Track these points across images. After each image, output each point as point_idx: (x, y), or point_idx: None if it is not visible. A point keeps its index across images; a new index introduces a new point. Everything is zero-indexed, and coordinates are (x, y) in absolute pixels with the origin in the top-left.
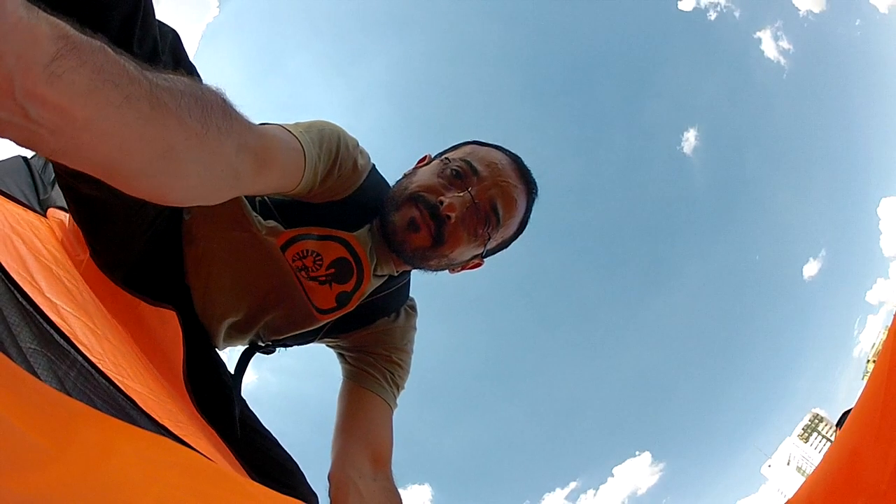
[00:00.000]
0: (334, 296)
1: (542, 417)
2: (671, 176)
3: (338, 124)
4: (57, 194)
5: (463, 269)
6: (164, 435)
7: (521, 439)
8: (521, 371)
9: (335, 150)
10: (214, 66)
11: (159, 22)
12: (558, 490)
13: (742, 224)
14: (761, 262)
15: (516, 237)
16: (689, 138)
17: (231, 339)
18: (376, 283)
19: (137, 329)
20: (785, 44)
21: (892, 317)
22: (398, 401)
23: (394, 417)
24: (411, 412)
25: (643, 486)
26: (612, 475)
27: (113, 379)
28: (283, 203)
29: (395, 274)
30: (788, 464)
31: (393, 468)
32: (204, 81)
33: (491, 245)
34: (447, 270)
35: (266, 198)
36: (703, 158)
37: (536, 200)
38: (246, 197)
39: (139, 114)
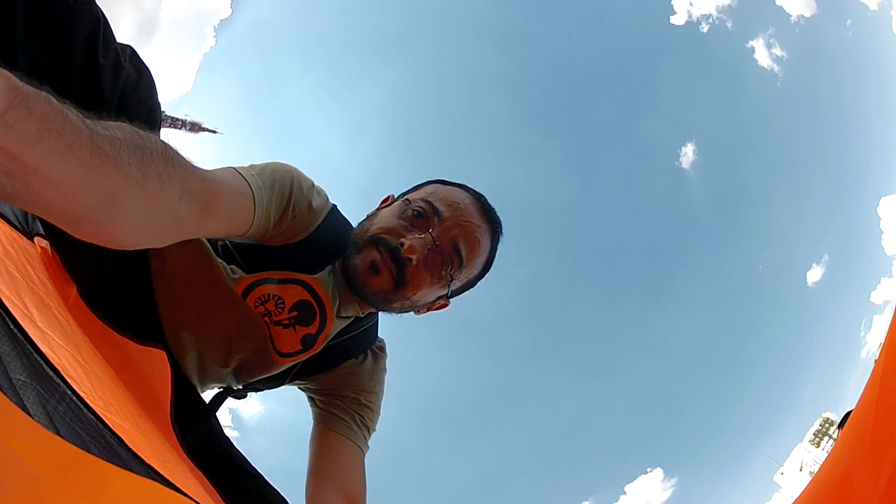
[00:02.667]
0: (299, 339)
1: (552, 438)
2: (671, 192)
3: (293, 165)
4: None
5: (428, 310)
6: (151, 474)
7: (531, 461)
8: (528, 393)
9: (288, 191)
10: (213, 95)
11: (118, 42)
12: None
13: (744, 235)
14: (765, 271)
15: (482, 277)
16: (688, 153)
17: (205, 380)
18: (341, 324)
19: (123, 366)
20: (778, 51)
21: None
22: (370, 443)
23: (402, 444)
24: (419, 438)
25: (656, 503)
26: (625, 493)
27: (101, 415)
28: (244, 247)
29: (361, 315)
30: (801, 470)
31: (402, 495)
32: (159, 93)
33: (455, 286)
34: (412, 312)
35: (228, 242)
36: (702, 172)
37: (502, 239)
38: (209, 241)
39: (80, 162)
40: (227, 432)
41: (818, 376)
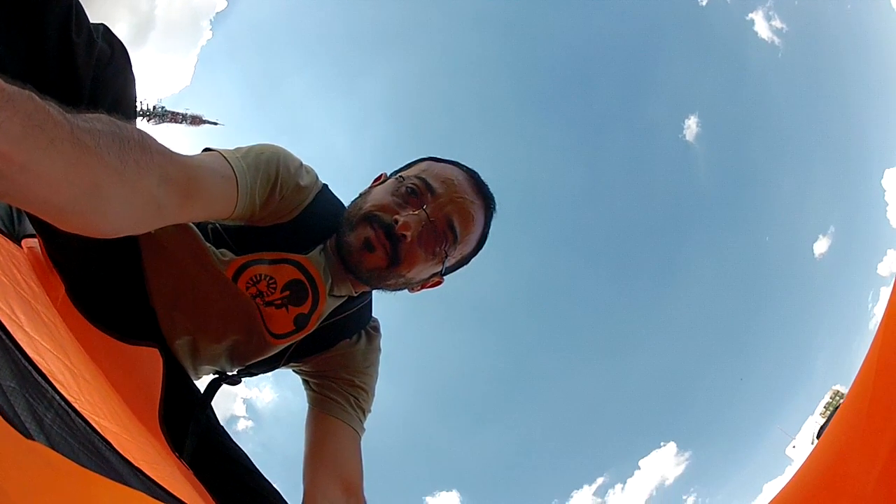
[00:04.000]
0: (292, 319)
1: (565, 416)
2: (676, 165)
3: (280, 146)
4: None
5: (422, 287)
6: (139, 477)
7: (545, 439)
8: (540, 372)
9: (274, 172)
10: (214, 88)
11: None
12: (586, 487)
13: (750, 206)
14: (771, 243)
15: (476, 253)
16: (691, 125)
17: (198, 365)
18: (334, 303)
19: (113, 365)
20: (778, 23)
21: None
22: (365, 425)
23: (416, 425)
24: (434, 419)
25: (671, 477)
26: (639, 468)
27: (89, 419)
28: (235, 229)
29: (354, 294)
30: (813, 443)
31: (417, 476)
32: (133, 67)
33: (449, 262)
34: (406, 290)
35: (218, 225)
36: (707, 144)
37: (495, 215)
38: (198, 225)
39: (63, 155)
40: (243, 423)
41: (827, 348)
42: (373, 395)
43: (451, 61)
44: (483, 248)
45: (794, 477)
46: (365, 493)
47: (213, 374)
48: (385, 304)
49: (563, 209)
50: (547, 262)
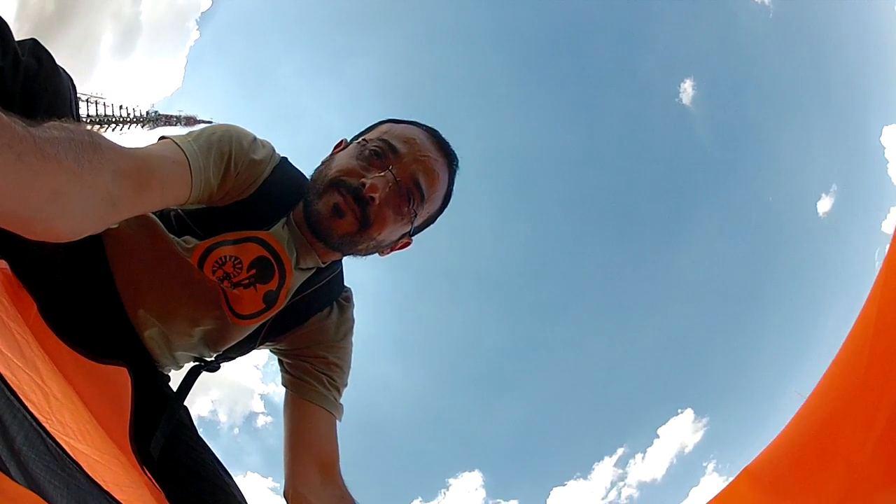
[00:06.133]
0: (261, 297)
1: (581, 390)
2: (674, 129)
3: (235, 124)
4: None
5: (392, 250)
6: (108, 501)
7: (563, 414)
8: (553, 347)
9: (227, 150)
10: (205, 87)
11: (18, 40)
12: (607, 459)
13: (751, 167)
14: (774, 203)
15: (442, 211)
16: (687, 89)
17: (174, 355)
18: (302, 276)
19: (85, 381)
20: None
21: None
22: (342, 401)
23: (434, 409)
24: (451, 401)
25: (689, 444)
26: (658, 436)
27: (59, 440)
28: (197, 214)
29: (322, 265)
30: None
31: (438, 458)
32: (62, 70)
33: (418, 222)
34: (377, 253)
35: (180, 211)
36: (703, 108)
37: (458, 172)
38: (161, 215)
39: (29, 167)
40: (261, 419)
41: (836, 308)
42: (349, 367)
43: (438, 28)
44: (448, 206)
45: (779, 436)
46: (343, 476)
47: (193, 360)
48: (398, 287)
49: (563, 178)
50: (550, 233)
